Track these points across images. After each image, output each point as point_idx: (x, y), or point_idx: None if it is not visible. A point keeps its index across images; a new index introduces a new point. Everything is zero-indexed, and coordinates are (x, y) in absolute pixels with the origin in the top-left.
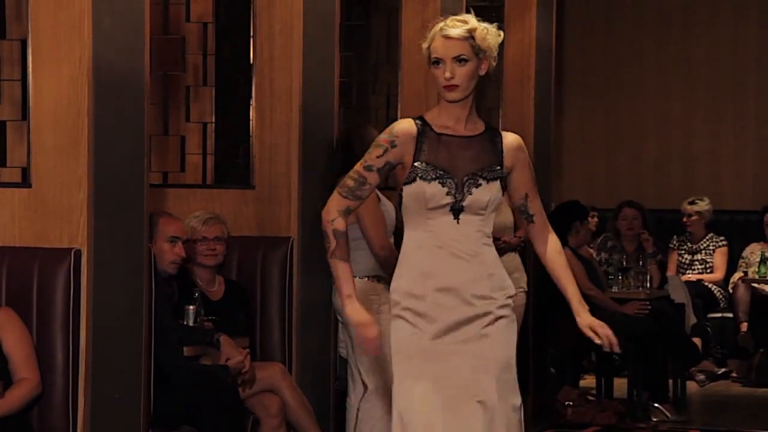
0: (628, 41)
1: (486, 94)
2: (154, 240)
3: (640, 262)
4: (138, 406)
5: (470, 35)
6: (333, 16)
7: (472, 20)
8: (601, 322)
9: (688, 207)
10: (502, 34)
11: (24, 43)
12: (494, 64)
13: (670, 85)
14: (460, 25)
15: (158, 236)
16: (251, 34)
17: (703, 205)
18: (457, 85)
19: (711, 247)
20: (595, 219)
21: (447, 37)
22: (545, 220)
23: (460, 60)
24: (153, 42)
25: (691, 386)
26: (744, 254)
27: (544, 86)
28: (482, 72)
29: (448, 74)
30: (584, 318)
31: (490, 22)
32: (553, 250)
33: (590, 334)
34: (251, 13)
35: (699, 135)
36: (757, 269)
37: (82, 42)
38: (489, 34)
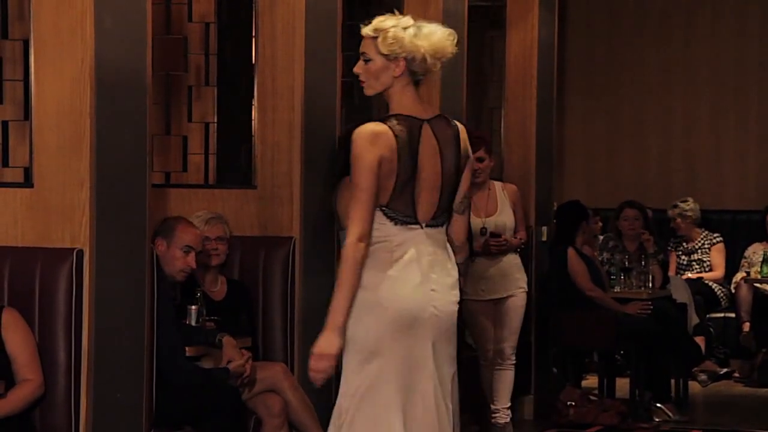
0: (630, 41)
1: (488, 93)
2: (169, 244)
3: (642, 262)
4: (140, 406)
5: (375, 35)
6: (335, 15)
7: (387, 21)
8: (319, 355)
9: (670, 211)
10: (419, 36)
11: (26, 43)
12: (427, 67)
13: (672, 84)
14: (373, 24)
15: (173, 242)
16: (253, 33)
17: (685, 206)
18: (362, 81)
19: (706, 246)
20: (600, 224)
21: (362, 34)
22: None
23: (364, 58)
24: (155, 42)
25: (694, 386)
26: (746, 254)
27: (545, 86)
28: (396, 74)
29: (355, 69)
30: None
31: (492, 22)
32: None
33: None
34: (253, 12)
35: (701, 135)
36: (759, 269)
37: (84, 42)
38: (396, 37)
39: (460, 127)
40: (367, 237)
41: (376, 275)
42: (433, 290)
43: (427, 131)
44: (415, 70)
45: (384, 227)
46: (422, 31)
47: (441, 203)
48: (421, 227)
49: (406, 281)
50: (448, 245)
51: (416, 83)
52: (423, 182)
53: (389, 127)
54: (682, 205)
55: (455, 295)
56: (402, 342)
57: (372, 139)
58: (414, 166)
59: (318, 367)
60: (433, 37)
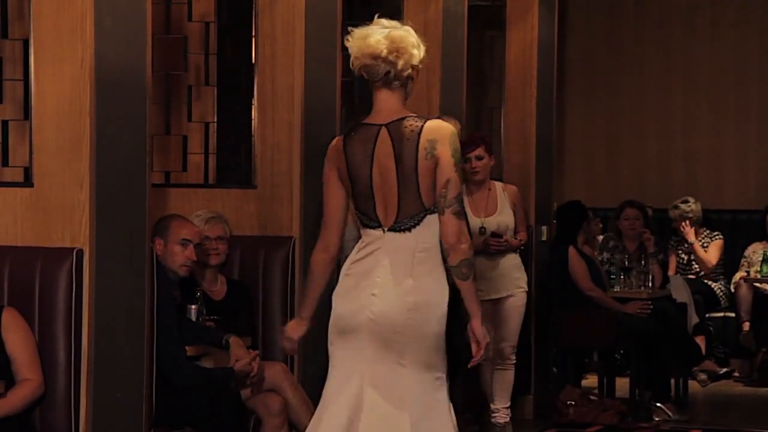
0: (630, 41)
1: (488, 93)
2: (166, 241)
3: (642, 262)
4: (140, 406)
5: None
6: (335, 15)
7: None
8: (285, 336)
9: (671, 211)
10: (350, 36)
11: (26, 43)
12: (365, 69)
13: (672, 84)
14: None
15: (170, 238)
16: (253, 33)
17: (685, 207)
18: None
19: (706, 245)
20: (600, 226)
21: None
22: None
23: None
24: (155, 41)
25: (694, 386)
26: (746, 253)
27: (545, 86)
28: None
29: None
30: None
31: (492, 22)
32: None
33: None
34: (253, 12)
35: (701, 134)
36: (759, 269)
37: (84, 41)
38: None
39: (429, 124)
40: (328, 248)
41: (341, 277)
42: (373, 294)
43: (383, 136)
44: (356, 69)
45: (361, 230)
46: (357, 30)
47: (401, 207)
48: (383, 231)
49: (346, 284)
50: (420, 251)
51: (395, 86)
52: (380, 187)
53: (343, 137)
54: (682, 206)
55: (409, 302)
56: (341, 348)
57: (329, 154)
58: (368, 172)
59: (283, 345)
60: (360, 37)
